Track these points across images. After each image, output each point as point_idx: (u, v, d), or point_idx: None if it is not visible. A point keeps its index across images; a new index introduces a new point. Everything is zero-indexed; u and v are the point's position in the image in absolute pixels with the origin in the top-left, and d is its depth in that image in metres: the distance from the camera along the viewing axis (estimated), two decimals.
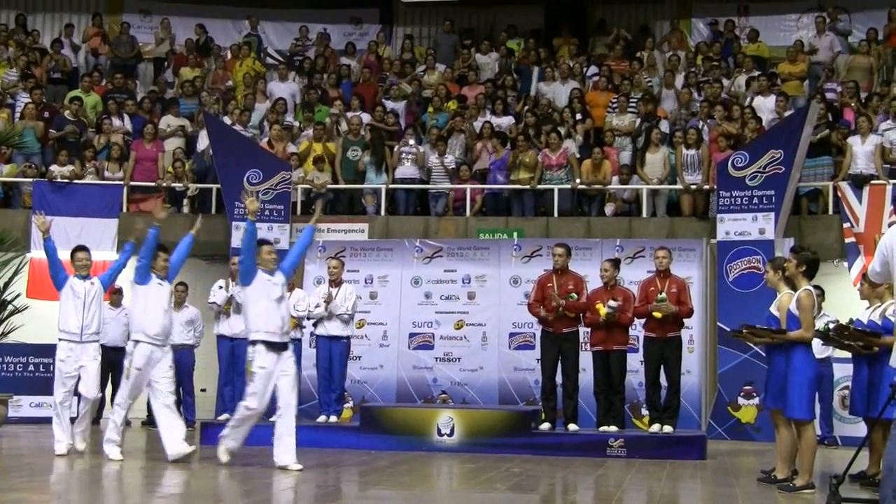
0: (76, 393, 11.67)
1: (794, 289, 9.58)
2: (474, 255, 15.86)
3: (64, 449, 11.24)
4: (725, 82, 18.94)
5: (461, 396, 15.36)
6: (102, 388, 15.68)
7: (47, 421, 15.55)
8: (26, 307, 14.60)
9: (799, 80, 19.22)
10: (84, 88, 19.62)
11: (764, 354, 10.64)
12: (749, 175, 15.34)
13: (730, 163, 15.55)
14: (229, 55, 21.49)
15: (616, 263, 13.19)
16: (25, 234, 16.58)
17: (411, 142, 17.98)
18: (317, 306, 13.78)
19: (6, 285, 14.26)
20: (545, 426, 12.84)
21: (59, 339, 11.39)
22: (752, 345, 12.49)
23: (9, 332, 14.41)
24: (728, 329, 13.57)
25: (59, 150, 17.82)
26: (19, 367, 15.91)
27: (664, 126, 18.02)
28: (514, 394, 15.24)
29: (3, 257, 14.41)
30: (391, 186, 17.63)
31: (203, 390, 16.56)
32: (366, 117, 18.69)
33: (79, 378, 11.48)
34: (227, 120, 18.44)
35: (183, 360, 15.57)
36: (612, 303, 12.54)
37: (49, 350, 15.74)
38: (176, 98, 19.80)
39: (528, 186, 17.18)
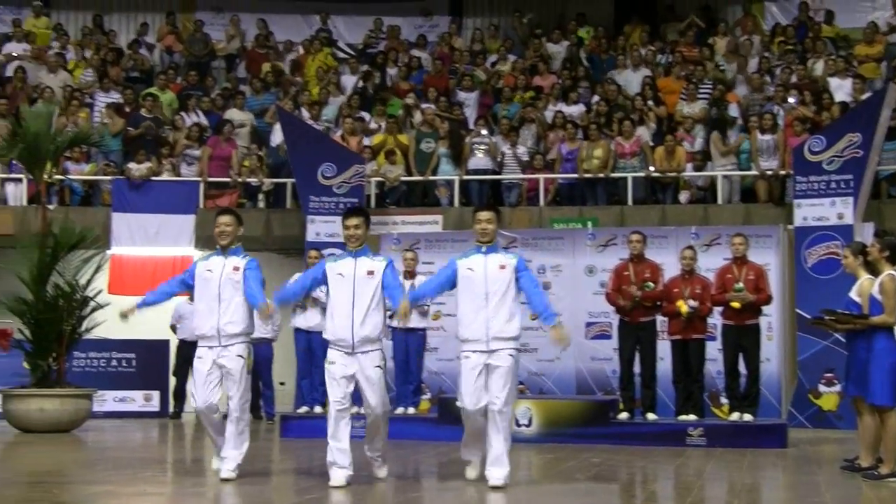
0: None
1: (875, 274, 9.44)
2: (549, 244, 15.81)
3: (219, 465, 9.08)
4: (801, 66, 18.74)
5: (538, 387, 15.34)
6: (182, 383, 15.96)
7: (130, 415, 15.94)
8: (108, 303, 14.82)
9: (875, 62, 18.93)
10: (159, 86, 19.86)
11: (844, 341, 10.50)
12: (826, 159, 15.12)
13: (806, 147, 15.35)
14: (301, 50, 21.65)
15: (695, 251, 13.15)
16: (106, 231, 16.84)
17: (483, 132, 18.00)
18: None
19: (88, 282, 14.48)
20: (623, 416, 12.79)
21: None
22: (832, 332, 12.32)
23: (92, 328, 14.64)
24: (807, 316, 13.42)
25: (136, 148, 18.06)
26: (102, 363, 16.23)
27: (733, 110, 17.87)
28: (592, 383, 15.20)
29: (84, 255, 14.64)
30: (464, 178, 17.66)
31: (282, 384, 16.73)
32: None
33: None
34: (304, 114, 18.58)
35: (261, 354, 15.75)
36: (692, 302, 12.45)
37: (132, 346, 16.10)
38: (242, 92, 19.97)
39: (601, 175, 17.11)
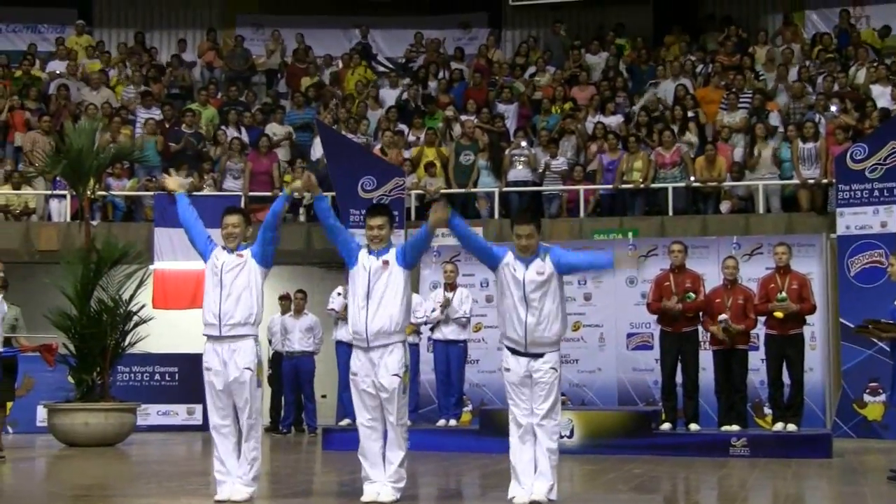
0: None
1: None
2: None
3: (226, 494, 8.27)
4: (843, 74, 18.63)
5: (580, 398, 15.31)
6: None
7: (174, 429, 16.04)
8: (151, 318, 14.94)
9: None
10: (200, 102, 20.02)
11: (888, 350, 10.41)
12: (869, 167, 15.00)
13: (848, 155, 15.24)
14: (340, 64, 21.76)
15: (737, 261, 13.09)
16: (148, 246, 16.96)
17: (523, 144, 18.01)
18: (433, 311, 13.88)
19: (131, 297, 14.60)
20: (666, 426, 12.73)
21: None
22: (876, 340, 12.21)
23: (135, 343, 14.76)
24: (851, 325, 13.31)
25: (178, 164, 18.19)
26: (146, 377, 16.37)
27: (773, 119, 17.77)
28: (634, 394, 15.16)
29: (127, 270, 14.76)
30: (504, 189, 17.67)
31: (324, 396, 16.78)
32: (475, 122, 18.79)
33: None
34: (344, 132, 18.68)
35: (303, 367, 15.83)
36: (722, 317, 12.37)
37: (175, 359, 16.24)
38: (282, 106, 20.10)
39: (641, 186, 17.07)
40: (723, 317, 12.37)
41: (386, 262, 8.19)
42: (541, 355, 8.05)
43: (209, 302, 8.42)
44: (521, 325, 8.06)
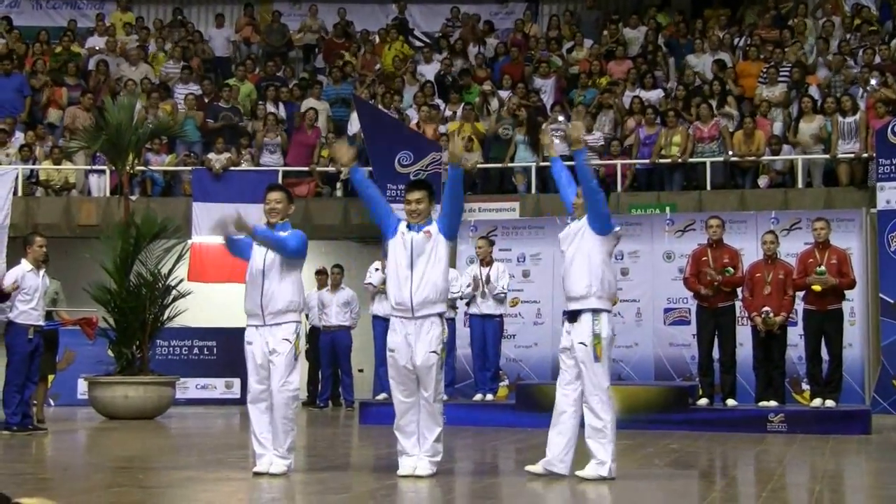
0: None
1: None
2: (626, 230, 15.56)
3: (264, 466, 8.25)
4: (885, 47, 18.42)
5: (616, 373, 15.21)
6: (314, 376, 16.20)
7: (213, 403, 16.16)
8: (190, 292, 15.04)
9: None
10: (238, 78, 20.06)
11: None
12: None
13: (889, 129, 15.11)
14: (377, 39, 21.73)
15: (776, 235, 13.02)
16: (187, 221, 17.06)
17: (560, 118, 17.95)
18: (468, 286, 13.90)
19: (170, 271, 14.70)
20: (703, 402, 12.71)
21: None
22: None
23: (174, 317, 14.87)
24: (891, 301, 13.21)
25: (215, 139, 18.27)
26: (184, 351, 16.50)
27: (814, 92, 17.61)
28: (671, 369, 15.12)
29: (165, 244, 14.86)
30: (541, 164, 17.63)
31: (360, 371, 16.85)
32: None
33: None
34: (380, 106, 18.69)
35: (340, 341, 15.91)
36: (763, 309, 12.31)
37: (214, 333, 16.38)
38: (319, 81, 20.11)
39: (679, 160, 16.99)
40: (765, 309, 12.31)
41: (428, 233, 8.15)
42: (576, 319, 7.99)
43: (251, 289, 8.38)
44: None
